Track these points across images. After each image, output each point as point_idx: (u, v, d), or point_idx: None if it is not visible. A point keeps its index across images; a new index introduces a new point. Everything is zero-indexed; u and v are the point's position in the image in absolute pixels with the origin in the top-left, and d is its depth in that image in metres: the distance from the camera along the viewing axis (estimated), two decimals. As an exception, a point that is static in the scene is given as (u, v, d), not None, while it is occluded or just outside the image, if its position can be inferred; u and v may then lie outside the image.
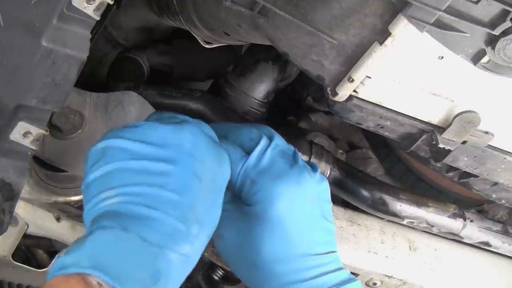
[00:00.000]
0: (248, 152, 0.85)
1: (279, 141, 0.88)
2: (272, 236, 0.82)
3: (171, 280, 0.70)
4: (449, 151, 0.90)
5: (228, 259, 0.88)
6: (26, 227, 1.26)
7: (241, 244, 0.84)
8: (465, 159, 0.93)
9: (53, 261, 1.35)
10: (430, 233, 1.22)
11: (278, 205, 0.82)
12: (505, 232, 1.21)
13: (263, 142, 0.86)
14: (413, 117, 0.89)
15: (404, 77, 0.83)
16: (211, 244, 0.84)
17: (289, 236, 0.83)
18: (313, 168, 0.89)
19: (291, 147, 0.89)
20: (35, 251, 1.45)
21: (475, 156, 0.93)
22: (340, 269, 0.85)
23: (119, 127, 0.78)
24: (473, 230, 1.18)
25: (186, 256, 0.71)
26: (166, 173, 0.73)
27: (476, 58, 0.77)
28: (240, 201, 0.86)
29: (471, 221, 1.18)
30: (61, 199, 1.06)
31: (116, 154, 0.74)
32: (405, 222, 1.15)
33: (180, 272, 0.72)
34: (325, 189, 0.89)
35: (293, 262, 0.83)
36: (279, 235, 0.82)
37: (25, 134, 0.81)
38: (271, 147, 0.86)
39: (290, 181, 0.83)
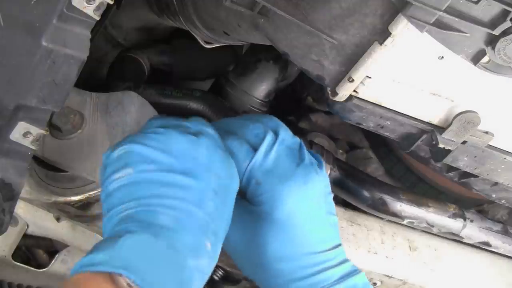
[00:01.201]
0: (255, 148, 0.85)
1: (284, 134, 0.87)
2: (278, 236, 0.82)
3: None
4: (449, 151, 0.90)
5: (233, 256, 0.89)
6: (26, 227, 1.26)
7: (246, 243, 0.84)
8: (465, 159, 0.93)
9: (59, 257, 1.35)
10: (430, 233, 1.22)
11: (285, 207, 0.82)
12: (505, 232, 1.21)
13: (269, 138, 0.85)
14: (413, 117, 0.89)
15: (404, 77, 0.83)
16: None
17: (296, 236, 0.83)
18: (316, 158, 0.89)
19: (297, 140, 0.89)
20: (35, 251, 1.44)
21: (475, 156, 0.93)
22: (344, 261, 0.86)
23: (138, 133, 0.79)
24: (473, 230, 1.18)
25: (203, 269, 0.73)
26: (186, 187, 0.74)
27: (476, 58, 0.77)
28: (244, 200, 0.86)
29: (471, 221, 1.18)
30: (61, 199, 1.06)
31: (139, 164, 0.75)
32: (405, 222, 1.15)
33: (200, 282, 0.73)
34: (328, 181, 0.90)
35: (299, 261, 0.83)
36: (285, 235, 0.83)
37: (25, 134, 0.81)
38: (277, 144, 0.85)
39: (297, 182, 0.83)
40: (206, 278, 0.74)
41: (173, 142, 0.77)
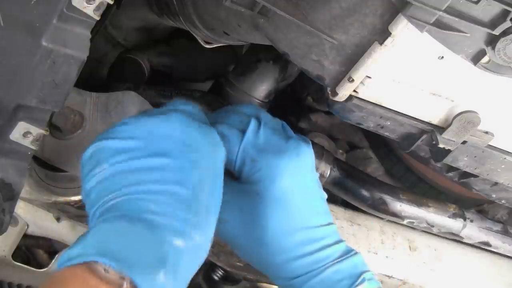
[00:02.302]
0: (242, 132, 0.86)
1: (266, 117, 0.90)
2: (277, 211, 0.83)
3: (182, 267, 0.69)
4: (449, 151, 0.90)
5: (232, 241, 0.88)
6: (26, 227, 1.26)
7: (245, 223, 0.85)
8: (465, 159, 0.93)
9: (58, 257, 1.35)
10: (430, 233, 1.22)
11: (282, 180, 0.83)
12: (505, 232, 1.21)
13: (253, 122, 0.87)
14: (413, 117, 0.89)
15: (404, 77, 0.83)
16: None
17: (294, 209, 0.84)
18: (302, 137, 0.90)
19: (279, 121, 0.91)
20: (35, 251, 1.44)
21: (475, 156, 0.93)
22: (340, 241, 0.87)
23: (108, 128, 0.78)
24: (473, 230, 1.18)
25: (196, 243, 0.71)
26: (163, 167, 0.73)
27: (476, 58, 0.77)
28: (236, 181, 0.87)
29: (471, 221, 1.18)
30: (61, 199, 1.06)
31: (110, 157, 0.74)
32: (405, 222, 1.15)
33: (192, 259, 0.71)
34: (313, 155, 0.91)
35: (298, 235, 0.84)
36: (284, 210, 0.83)
37: (25, 134, 0.81)
38: (262, 125, 0.87)
39: (291, 156, 0.85)
40: (204, 249, 0.73)
41: (141, 127, 0.76)
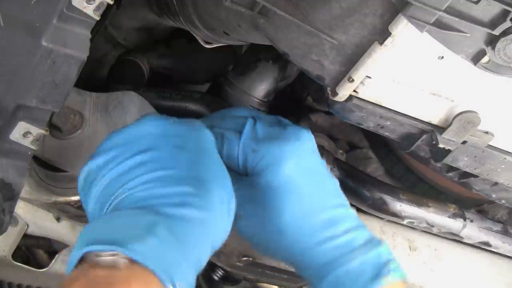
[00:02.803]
0: (240, 132, 0.87)
1: (262, 116, 0.91)
2: (289, 196, 0.83)
3: (185, 235, 0.68)
4: (449, 151, 0.90)
5: (251, 237, 0.88)
6: (26, 227, 1.26)
7: (261, 216, 0.84)
8: (465, 159, 0.93)
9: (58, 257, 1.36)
10: (430, 233, 1.22)
11: (287, 164, 0.83)
12: (505, 232, 1.21)
13: (249, 120, 0.88)
14: (413, 117, 0.89)
15: (404, 77, 0.83)
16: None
17: (305, 192, 0.84)
18: (301, 126, 0.91)
19: (274, 116, 0.92)
20: (35, 251, 1.44)
21: (475, 156, 0.93)
22: (361, 226, 0.86)
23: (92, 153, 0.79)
24: (473, 230, 1.18)
25: (197, 213, 0.71)
26: (151, 160, 0.74)
27: (476, 58, 0.77)
28: (245, 177, 0.87)
29: (471, 221, 1.18)
30: (61, 199, 1.06)
31: (99, 172, 0.75)
32: (405, 222, 1.15)
33: (199, 232, 0.71)
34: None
35: (315, 216, 0.83)
36: (295, 194, 0.83)
37: (25, 134, 0.81)
38: (258, 122, 0.88)
39: (291, 139, 0.85)
40: (211, 230, 0.73)
41: (119, 135, 0.78)
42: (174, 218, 0.69)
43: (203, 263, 0.72)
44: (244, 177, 0.87)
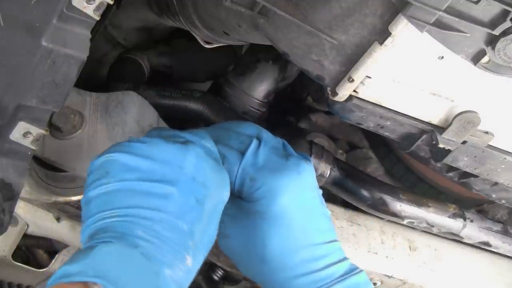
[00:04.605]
0: (242, 153, 0.86)
1: (267, 136, 0.89)
2: (278, 229, 0.83)
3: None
4: (449, 151, 0.90)
5: (234, 257, 0.89)
6: (26, 227, 1.26)
7: (247, 241, 0.85)
8: (465, 159, 0.93)
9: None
10: (430, 233, 1.22)
11: (282, 198, 0.83)
12: (505, 232, 1.21)
13: (254, 142, 0.87)
14: (413, 117, 0.89)
15: (404, 77, 0.83)
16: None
17: (295, 227, 0.83)
18: (302, 154, 0.90)
19: (279, 140, 0.91)
20: (35, 251, 1.44)
21: (475, 156, 0.93)
22: (344, 259, 0.87)
23: (124, 142, 0.78)
24: (473, 230, 1.18)
25: (180, 281, 0.72)
26: (167, 196, 0.74)
27: (476, 58, 0.77)
28: (240, 199, 0.87)
29: (471, 221, 1.18)
30: (61, 199, 1.06)
31: (120, 172, 0.74)
32: (405, 222, 1.15)
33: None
34: (315, 174, 0.91)
35: (300, 253, 0.83)
36: (285, 228, 0.83)
37: (25, 134, 0.81)
38: (262, 145, 0.87)
39: (291, 173, 0.84)
40: (186, 285, 0.73)
41: (157, 150, 0.76)
42: (169, 284, 0.69)
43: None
44: (238, 199, 0.87)
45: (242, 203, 0.86)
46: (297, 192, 0.84)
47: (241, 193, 0.86)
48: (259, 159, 0.86)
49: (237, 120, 0.98)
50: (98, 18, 0.74)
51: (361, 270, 0.87)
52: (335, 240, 0.87)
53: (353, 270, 0.86)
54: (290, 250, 0.83)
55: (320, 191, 0.90)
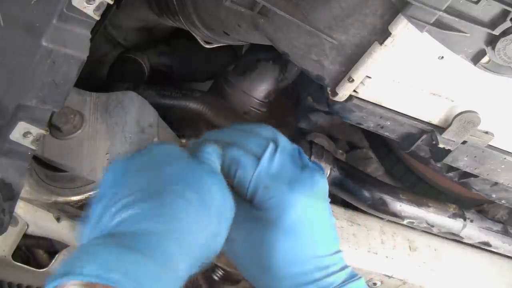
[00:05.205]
0: (258, 158, 0.85)
1: (284, 142, 0.88)
2: (286, 241, 0.83)
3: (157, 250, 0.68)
4: (449, 151, 0.90)
5: (236, 260, 0.89)
6: (26, 227, 1.26)
7: (252, 247, 0.85)
8: (465, 159, 0.93)
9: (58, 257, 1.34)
10: (430, 233, 1.22)
11: (294, 212, 0.83)
12: (505, 232, 1.21)
13: (271, 147, 0.86)
14: (413, 117, 0.89)
15: (404, 77, 0.83)
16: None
17: (303, 240, 0.83)
18: (317, 165, 0.90)
19: (295, 146, 0.90)
20: (35, 251, 1.44)
21: (475, 156, 0.93)
22: (346, 267, 0.87)
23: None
24: (473, 230, 1.18)
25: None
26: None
27: (476, 58, 0.77)
28: (249, 205, 0.86)
29: (471, 221, 1.18)
30: (61, 199, 1.06)
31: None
32: (405, 222, 1.15)
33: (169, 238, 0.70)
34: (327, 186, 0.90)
35: (305, 265, 0.84)
36: (293, 240, 0.83)
37: (25, 134, 0.81)
38: (278, 151, 0.86)
39: (305, 187, 0.84)
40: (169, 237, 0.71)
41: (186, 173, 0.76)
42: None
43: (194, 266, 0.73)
44: (247, 205, 0.86)
45: (251, 209, 0.86)
46: (309, 207, 0.84)
47: (253, 199, 0.86)
48: (274, 166, 0.85)
49: (254, 122, 0.97)
50: (98, 18, 0.74)
51: (360, 277, 0.87)
52: (339, 250, 0.88)
53: (353, 277, 0.86)
54: (295, 260, 0.83)
55: (329, 200, 0.90)
